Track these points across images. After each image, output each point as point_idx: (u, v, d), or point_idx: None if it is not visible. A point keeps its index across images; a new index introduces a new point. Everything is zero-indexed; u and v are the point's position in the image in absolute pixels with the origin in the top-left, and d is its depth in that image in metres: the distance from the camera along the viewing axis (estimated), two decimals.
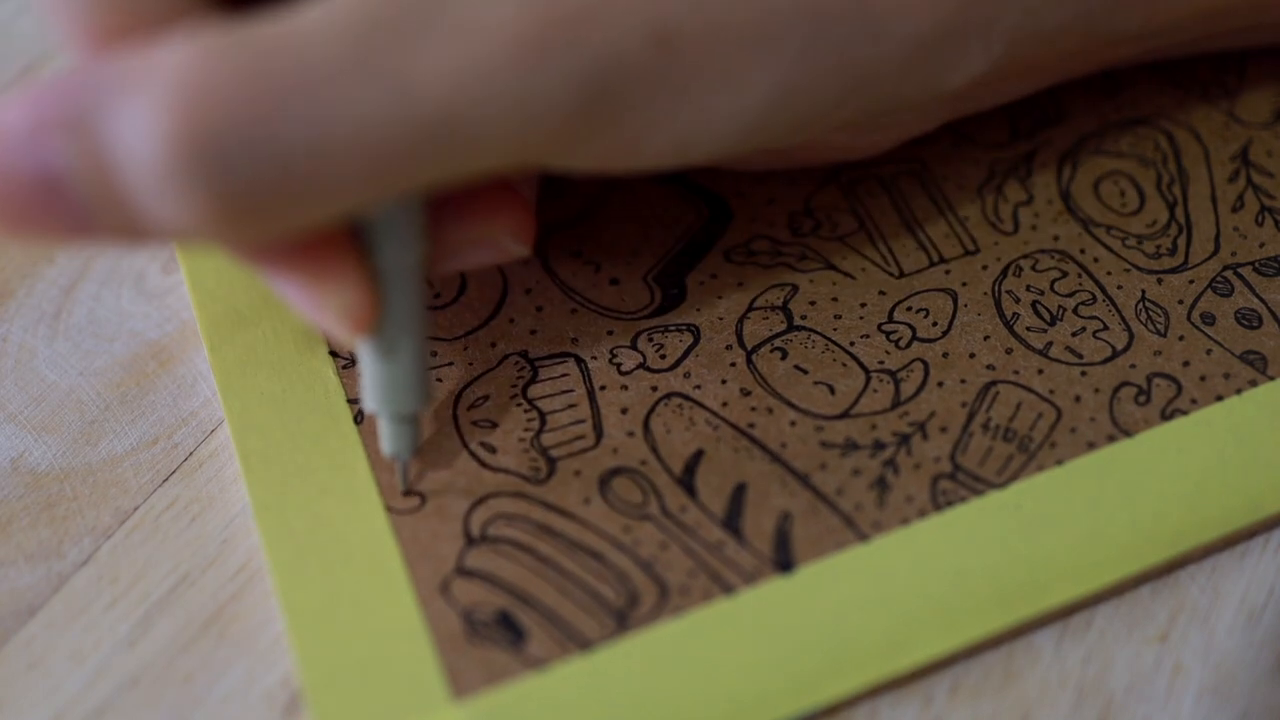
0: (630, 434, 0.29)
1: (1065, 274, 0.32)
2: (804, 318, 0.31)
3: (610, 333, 0.31)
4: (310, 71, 0.21)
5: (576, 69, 0.22)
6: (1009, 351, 0.30)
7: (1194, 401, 0.30)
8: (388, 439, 0.28)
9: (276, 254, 0.25)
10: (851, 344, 0.31)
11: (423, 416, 0.30)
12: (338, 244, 0.25)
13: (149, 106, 0.21)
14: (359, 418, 0.29)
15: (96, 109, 0.21)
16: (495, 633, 0.27)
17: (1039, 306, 0.31)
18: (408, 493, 0.29)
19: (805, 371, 0.30)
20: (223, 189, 0.21)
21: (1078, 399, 0.30)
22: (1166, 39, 0.32)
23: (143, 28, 0.23)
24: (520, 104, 0.22)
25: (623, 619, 0.27)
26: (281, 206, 0.22)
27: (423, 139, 0.22)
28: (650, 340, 0.31)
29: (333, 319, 0.25)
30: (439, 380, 0.30)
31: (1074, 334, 0.31)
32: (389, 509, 0.28)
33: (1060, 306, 0.31)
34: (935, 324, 0.31)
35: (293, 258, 0.25)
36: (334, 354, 0.30)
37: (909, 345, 0.31)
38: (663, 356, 0.30)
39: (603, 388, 0.30)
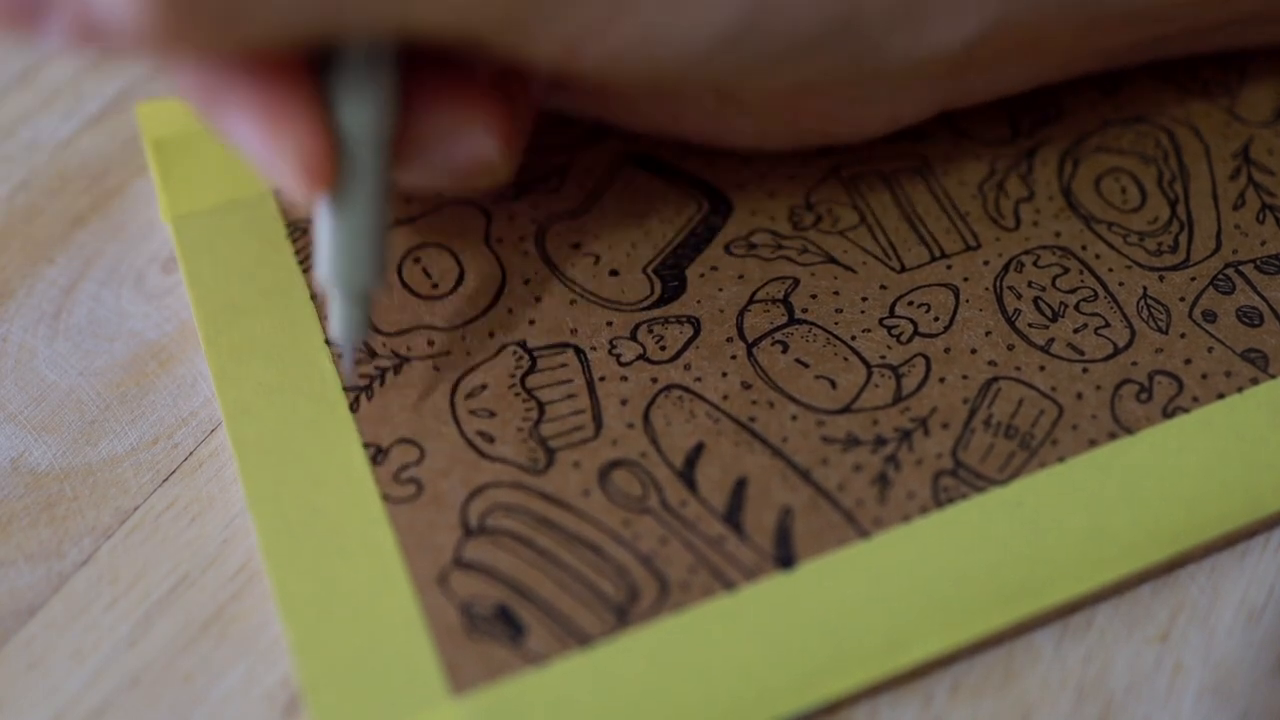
0: (630, 426, 0.29)
1: (1067, 270, 0.32)
2: (805, 311, 0.31)
3: (610, 324, 0.31)
4: None
5: None
6: (1011, 348, 0.30)
7: (1195, 399, 0.30)
8: (337, 318, 0.28)
9: (233, 94, 0.24)
10: (853, 338, 0.30)
11: (375, 299, 0.29)
12: (298, 89, 0.24)
13: None
14: (354, 406, 0.29)
15: None
16: (494, 627, 0.27)
17: (1040, 303, 0.31)
18: (353, 376, 0.28)
19: (806, 365, 0.30)
20: None
21: (1079, 396, 0.30)
22: (1154, 27, 0.32)
23: None
24: None
25: (623, 614, 0.27)
26: (228, 8, 0.22)
27: None
28: (650, 332, 0.31)
29: (289, 169, 0.24)
30: (436, 369, 0.30)
31: (1076, 330, 0.31)
32: (385, 498, 0.28)
33: (1062, 303, 0.31)
34: (937, 319, 0.31)
35: (250, 98, 0.24)
36: (329, 343, 0.30)
37: (910, 340, 0.30)
38: (663, 348, 0.30)
39: (602, 379, 0.30)
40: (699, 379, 0.30)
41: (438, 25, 0.23)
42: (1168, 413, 0.29)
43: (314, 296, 0.31)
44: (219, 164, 0.33)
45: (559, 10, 0.24)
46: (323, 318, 0.31)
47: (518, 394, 0.30)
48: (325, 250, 0.26)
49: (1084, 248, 0.32)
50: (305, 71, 0.24)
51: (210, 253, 0.32)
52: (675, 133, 0.32)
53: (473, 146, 0.27)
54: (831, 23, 0.26)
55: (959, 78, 0.31)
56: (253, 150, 0.25)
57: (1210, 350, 0.30)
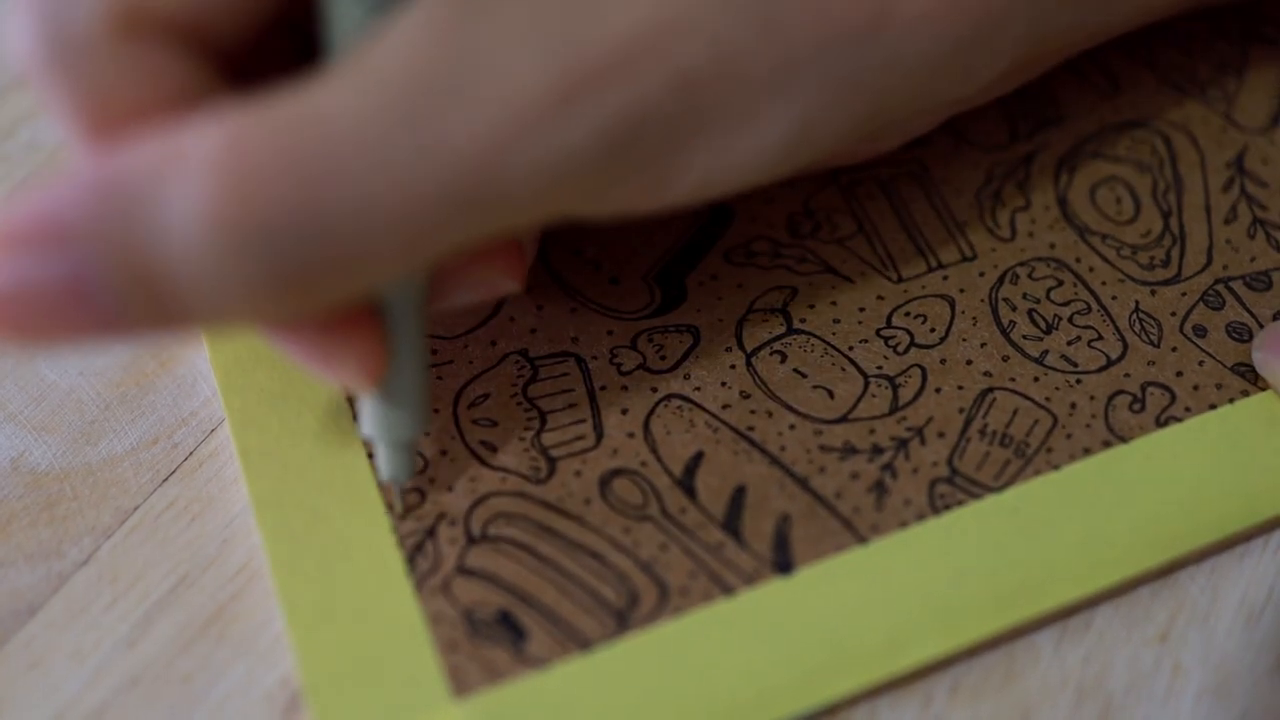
0: (630, 435, 0.29)
1: (1061, 283, 0.32)
2: (803, 321, 0.31)
3: (610, 332, 0.31)
4: (347, 144, 0.21)
5: (605, 118, 0.22)
6: (1005, 359, 0.31)
7: (1188, 409, 0.30)
8: (385, 464, 0.28)
9: (292, 328, 0.24)
10: (850, 348, 0.31)
11: (420, 442, 0.29)
12: (355, 311, 0.25)
13: (191, 196, 0.20)
14: (358, 414, 0.29)
15: (132, 207, 0.20)
16: (495, 632, 0.27)
17: (1035, 315, 0.31)
18: (405, 509, 0.29)
19: (804, 375, 0.30)
20: (274, 269, 0.21)
21: (1073, 406, 0.30)
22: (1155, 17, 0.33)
23: (149, 113, 0.22)
24: (553, 157, 0.22)
25: (623, 619, 0.27)
26: (328, 281, 0.22)
27: (462, 202, 0.22)
28: (650, 341, 0.31)
29: (347, 376, 0.25)
30: (439, 379, 0.30)
31: (1069, 343, 0.31)
32: (389, 506, 0.28)
33: (1056, 315, 0.31)
34: (933, 330, 0.31)
35: (311, 329, 0.24)
36: None
37: (907, 351, 0.31)
38: (663, 358, 0.30)
39: (603, 388, 0.30)
40: (698, 389, 0.30)
41: (521, 226, 0.24)
42: (1161, 422, 0.30)
43: None
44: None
45: (621, 182, 0.24)
46: None
47: (519, 403, 0.30)
48: (368, 411, 0.27)
49: (1078, 260, 0.32)
50: None
51: None
52: (706, 201, 0.33)
53: (493, 288, 0.27)
54: (867, 108, 0.27)
55: (973, 98, 0.31)
56: (313, 366, 0.25)
57: (1201, 364, 0.31)
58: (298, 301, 0.22)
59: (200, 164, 0.20)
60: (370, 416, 0.27)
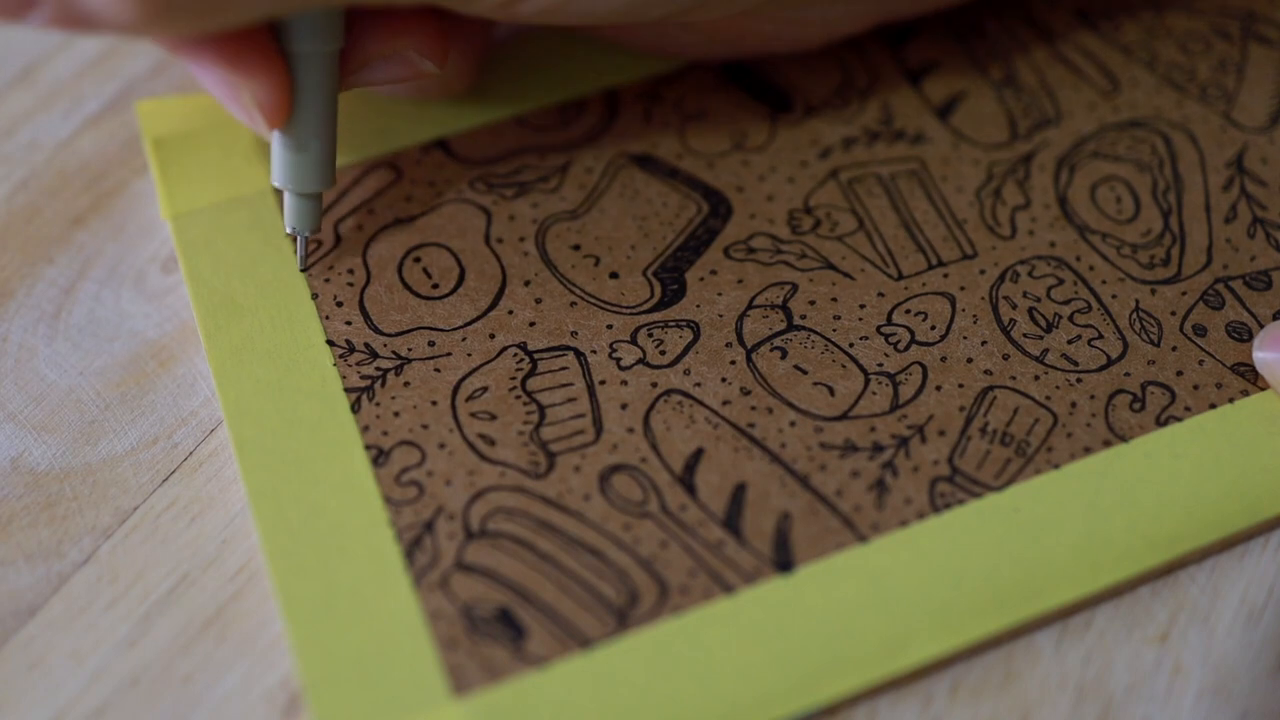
0: (630, 430, 0.29)
1: (1061, 281, 0.32)
2: (804, 317, 0.31)
3: (610, 327, 0.31)
4: None
5: None
6: (1006, 357, 0.31)
7: (1188, 409, 0.30)
8: (290, 213, 0.31)
9: (200, 45, 0.27)
10: (851, 345, 0.31)
11: (325, 195, 0.32)
12: (255, 37, 0.27)
13: None
14: (355, 406, 0.29)
15: None
16: (495, 630, 0.27)
17: (1035, 313, 0.31)
18: (307, 261, 0.31)
19: (805, 372, 0.30)
20: None
21: (1073, 405, 0.30)
22: None
23: None
24: None
25: (623, 617, 0.27)
26: (202, 7, 0.24)
27: None
28: (650, 336, 0.31)
29: (248, 109, 0.28)
30: (437, 371, 0.30)
31: (1069, 341, 0.31)
32: (387, 500, 0.28)
33: (1056, 314, 0.31)
34: (934, 328, 0.31)
35: (213, 48, 0.27)
36: (331, 343, 0.30)
37: (907, 348, 0.31)
38: (663, 353, 0.30)
39: (602, 382, 0.30)
40: (699, 384, 0.30)
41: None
42: (1161, 421, 0.30)
43: (315, 295, 0.31)
44: (219, 162, 0.33)
45: None
46: (323, 317, 0.31)
47: (518, 397, 0.30)
48: (278, 161, 0.30)
49: (1078, 259, 0.32)
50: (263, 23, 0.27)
51: (210, 250, 0.32)
52: (621, 42, 0.35)
53: (409, 66, 0.30)
54: None
55: None
56: (218, 94, 0.28)
57: (1201, 363, 0.31)
58: (180, 21, 0.24)
59: None
60: (278, 165, 0.30)
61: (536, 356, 0.30)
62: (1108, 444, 0.29)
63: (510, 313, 0.31)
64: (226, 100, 0.28)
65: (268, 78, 0.28)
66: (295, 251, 0.32)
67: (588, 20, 0.29)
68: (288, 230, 0.31)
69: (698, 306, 0.31)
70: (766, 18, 0.32)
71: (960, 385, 0.30)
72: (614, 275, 0.32)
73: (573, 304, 0.31)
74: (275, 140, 0.30)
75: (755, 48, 0.34)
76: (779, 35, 0.33)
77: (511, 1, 0.28)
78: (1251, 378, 0.30)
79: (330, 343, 0.30)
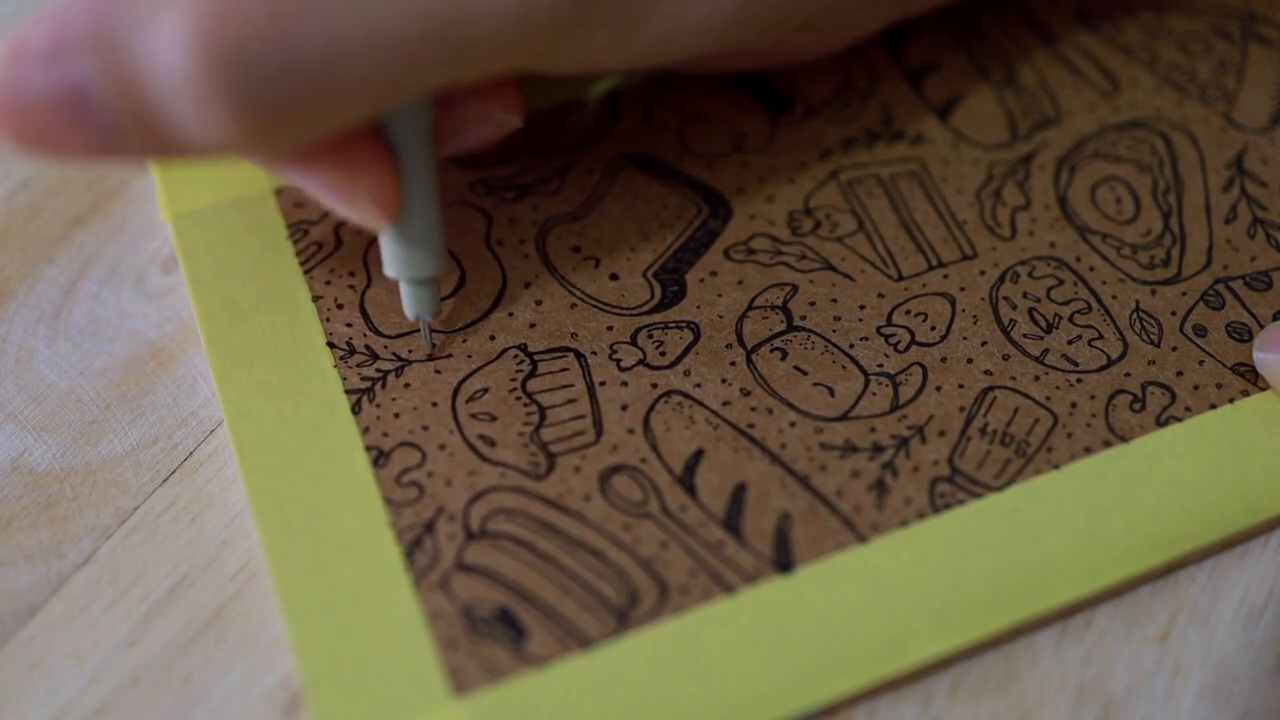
0: (630, 431, 0.29)
1: (1061, 282, 0.32)
2: (804, 318, 0.31)
3: (610, 328, 0.31)
4: None
5: None
6: (1006, 358, 0.31)
7: (1188, 409, 0.30)
8: (410, 302, 0.30)
9: (304, 155, 0.26)
10: (851, 346, 0.31)
11: (440, 279, 0.31)
12: (362, 136, 0.26)
13: (174, 21, 0.21)
14: (356, 408, 0.29)
15: (120, 26, 0.22)
16: (495, 630, 0.27)
17: (1035, 314, 0.31)
18: (433, 347, 0.31)
19: (805, 373, 0.30)
20: (247, 98, 0.22)
21: (1074, 405, 0.30)
22: None
23: None
24: (523, 5, 0.24)
25: (623, 618, 0.27)
26: (302, 113, 0.23)
27: (431, 43, 0.23)
28: (650, 337, 0.31)
29: (362, 209, 0.27)
30: (437, 373, 0.30)
31: (1070, 342, 0.31)
32: (387, 500, 0.28)
33: (1056, 314, 0.31)
34: (934, 328, 0.31)
35: (322, 157, 0.26)
36: (332, 344, 0.30)
37: (907, 349, 0.31)
38: (663, 354, 0.30)
39: (602, 384, 0.30)
40: (698, 385, 0.30)
41: (488, 71, 0.25)
42: (1161, 421, 0.30)
43: (316, 297, 0.31)
44: (220, 163, 0.33)
45: (587, 34, 0.26)
46: (324, 318, 0.31)
47: (518, 398, 0.30)
48: (389, 252, 0.29)
49: (1078, 259, 0.32)
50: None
51: (211, 252, 0.32)
52: (659, 66, 0.34)
53: (497, 125, 0.29)
54: None
55: None
56: (328, 200, 0.27)
57: (1201, 363, 0.31)
58: (279, 131, 0.23)
59: None
60: (392, 257, 0.29)
61: (537, 358, 0.30)
62: (1108, 444, 0.29)
63: (510, 314, 0.31)
64: (339, 205, 0.27)
65: (380, 174, 0.27)
66: (294, 256, 0.32)
67: (659, 65, 0.29)
68: (410, 318, 0.30)
69: (698, 308, 0.31)
70: (804, 29, 0.32)
71: (960, 386, 0.30)
72: (614, 277, 0.32)
73: (573, 305, 0.31)
74: (387, 232, 0.29)
75: (784, 58, 0.34)
76: (810, 44, 0.34)
77: (595, 62, 0.28)
78: (1252, 378, 0.30)
79: (331, 344, 0.30)
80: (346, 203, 0.27)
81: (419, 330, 0.31)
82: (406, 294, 0.30)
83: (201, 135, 0.23)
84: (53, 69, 0.22)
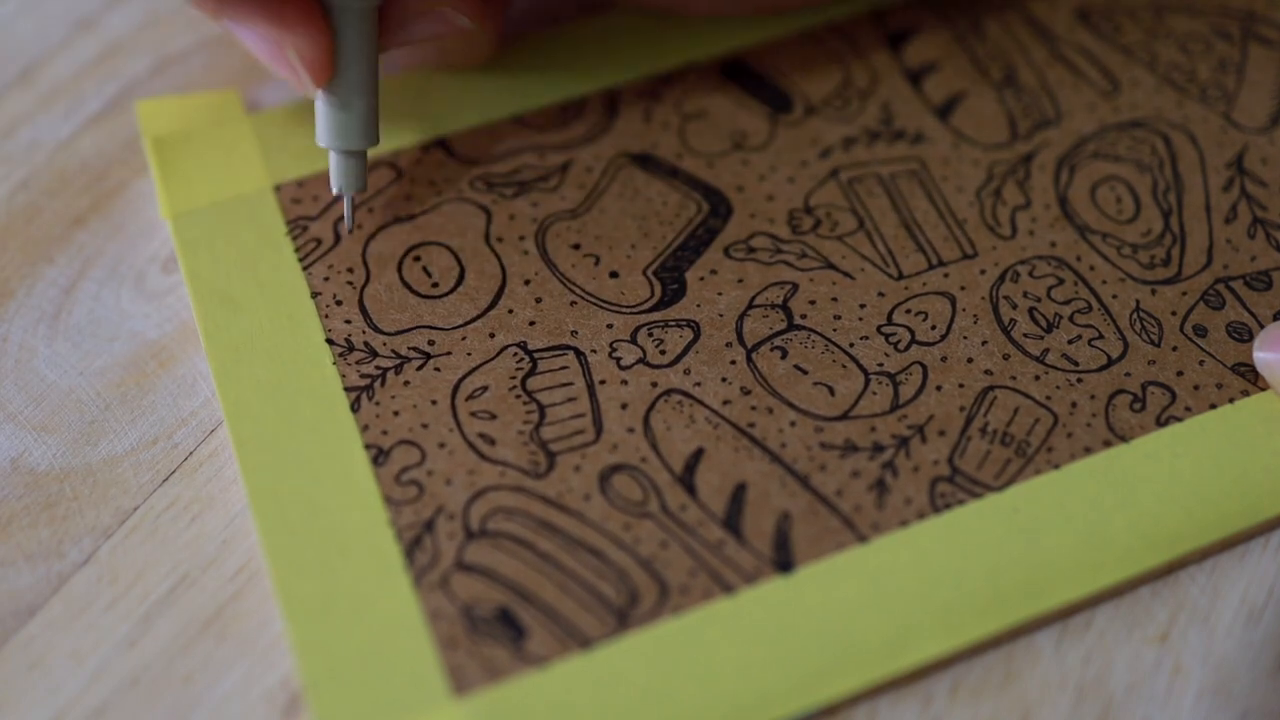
0: (630, 430, 0.29)
1: (1062, 281, 0.32)
2: (804, 317, 0.31)
3: (610, 326, 0.31)
4: None
5: None
6: (1006, 357, 0.31)
7: (1188, 409, 0.30)
8: (336, 173, 0.31)
9: (241, 2, 0.28)
10: (851, 345, 0.31)
11: (367, 154, 0.32)
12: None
13: None
14: (355, 406, 0.29)
15: None
16: (495, 629, 0.27)
17: (1035, 313, 0.31)
18: (354, 224, 0.32)
19: (805, 372, 0.30)
20: None
21: (1074, 405, 0.30)
22: None
23: None
24: None
25: (623, 617, 0.27)
26: None
27: None
28: (650, 335, 0.31)
29: (296, 67, 0.29)
30: (437, 370, 0.30)
31: (1070, 341, 0.31)
32: (387, 499, 0.28)
33: (1056, 314, 0.31)
34: (934, 328, 0.31)
35: (256, 5, 0.28)
36: (331, 342, 0.30)
37: (908, 348, 0.31)
38: (663, 352, 0.30)
39: (602, 382, 0.30)
40: (699, 384, 0.30)
41: None
42: (1161, 421, 0.30)
43: (314, 294, 0.31)
44: (219, 161, 0.33)
45: None
46: (322, 315, 0.31)
47: (518, 396, 0.30)
48: (322, 120, 0.31)
49: (1078, 259, 0.32)
50: None
51: (210, 249, 0.32)
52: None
53: (446, 22, 0.31)
54: None
55: None
56: (261, 53, 0.29)
57: (1201, 363, 0.31)
58: None
59: None
60: (323, 125, 0.31)
61: (536, 356, 0.30)
62: (1108, 444, 0.29)
63: (510, 312, 0.31)
64: (269, 58, 0.29)
65: (311, 33, 0.28)
66: (293, 252, 0.32)
67: None
68: (334, 191, 0.32)
69: (698, 306, 0.31)
70: None
71: (960, 385, 0.30)
72: (614, 274, 0.32)
73: (573, 303, 0.31)
74: (319, 99, 0.31)
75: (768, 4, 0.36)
76: None
77: None
78: (1252, 378, 0.30)
79: (330, 341, 0.30)
80: (277, 56, 0.28)
81: (416, 328, 0.31)
82: (334, 165, 0.31)
83: None
84: None
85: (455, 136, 0.34)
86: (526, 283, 0.32)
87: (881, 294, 0.32)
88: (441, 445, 0.29)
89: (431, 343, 0.31)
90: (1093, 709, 0.27)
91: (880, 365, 0.30)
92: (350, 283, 0.31)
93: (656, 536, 0.28)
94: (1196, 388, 0.30)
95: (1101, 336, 0.31)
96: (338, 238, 0.32)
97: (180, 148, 0.34)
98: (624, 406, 0.30)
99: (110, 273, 0.33)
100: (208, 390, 0.31)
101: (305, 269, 0.32)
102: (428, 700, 0.26)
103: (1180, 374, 0.30)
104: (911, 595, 0.27)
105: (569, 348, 0.31)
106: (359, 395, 0.30)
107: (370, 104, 0.31)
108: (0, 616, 0.28)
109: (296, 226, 0.32)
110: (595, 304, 0.31)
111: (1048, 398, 0.30)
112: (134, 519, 0.29)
